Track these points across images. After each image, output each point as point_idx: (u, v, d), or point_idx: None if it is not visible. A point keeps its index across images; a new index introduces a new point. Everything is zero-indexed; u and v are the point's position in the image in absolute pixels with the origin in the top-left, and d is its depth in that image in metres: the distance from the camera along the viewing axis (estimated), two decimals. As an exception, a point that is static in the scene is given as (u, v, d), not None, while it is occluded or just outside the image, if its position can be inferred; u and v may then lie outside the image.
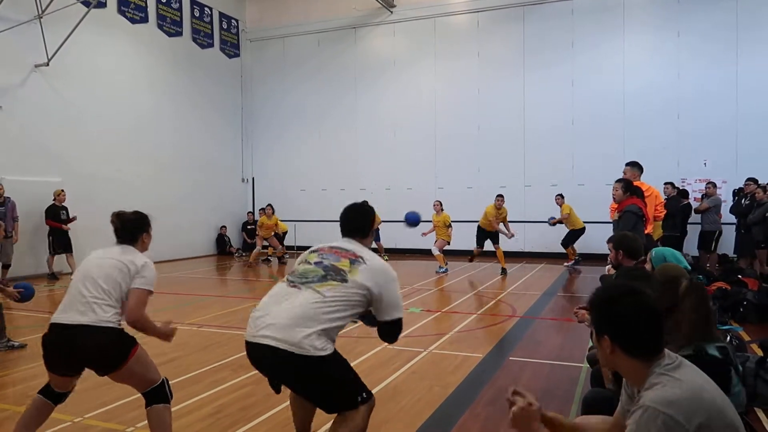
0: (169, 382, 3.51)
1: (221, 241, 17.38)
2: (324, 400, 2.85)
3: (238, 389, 4.78)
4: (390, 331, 3.09)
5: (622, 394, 2.29)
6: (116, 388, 4.83)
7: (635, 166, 7.71)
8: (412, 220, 8.20)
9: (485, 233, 12.62)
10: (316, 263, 2.96)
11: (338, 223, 3.28)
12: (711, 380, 1.96)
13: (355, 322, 3.18)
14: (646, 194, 7.34)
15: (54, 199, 11.93)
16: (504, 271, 12.24)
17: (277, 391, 3.01)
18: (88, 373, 5.25)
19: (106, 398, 4.57)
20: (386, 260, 11.26)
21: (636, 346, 1.98)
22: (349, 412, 2.80)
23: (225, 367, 5.43)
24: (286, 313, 2.75)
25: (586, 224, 13.15)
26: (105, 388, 4.86)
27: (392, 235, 15.53)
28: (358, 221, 3.22)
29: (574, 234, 13.17)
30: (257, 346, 2.75)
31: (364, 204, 3.43)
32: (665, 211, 8.80)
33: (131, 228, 3.53)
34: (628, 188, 6.69)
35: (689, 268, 3.80)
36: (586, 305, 2.15)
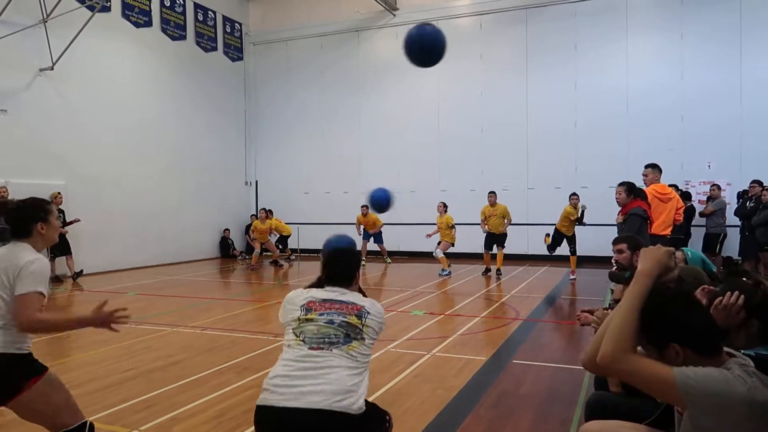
0: (94, 429, 3.02)
1: (225, 243, 17.42)
2: None
3: (242, 392, 4.79)
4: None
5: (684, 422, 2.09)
6: (121, 390, 4.86)
7: (655, 168, 7.64)
8: (378, 200, 6.65)
9: (490, 236, 12.59)
10: (327, 320, 2.74)
11: (324, 267, 3.03)
12: None
13: None
14: (667, 198, 7.34)
15: (51, 202, 11.90)
16: (498, 272, 12.26)
17: None
18: (93, 375, 5.29)
19: (111, 400, 4.59)
20: (389, 263, 11.27)
21: (704, 341, 1.94)
22: None
23: (229, 369, 5.45)
24: (322, 374, 2.59)
25: (590, 226, 13.09)
26: (110, 390, 4.88)
27: (395, 237, 15.54)
28: (346, 270, 3.02)
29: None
30: (309, 414, 2.50)
31: (350, 250, 3.30)
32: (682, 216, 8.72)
33: (21, 219, 2.89)
34: (632, 191, 6.69)
35: (713, 269, 3.84)
36: (645, 324, 2.02)
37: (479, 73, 15.82)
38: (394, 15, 16.71)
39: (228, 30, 18.02)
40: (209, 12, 17.25)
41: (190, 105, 16.40)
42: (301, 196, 17.85)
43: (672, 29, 14.06)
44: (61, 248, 11.79)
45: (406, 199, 16.36)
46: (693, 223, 12.48)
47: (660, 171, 7.66)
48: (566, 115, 14.93)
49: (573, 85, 14.88)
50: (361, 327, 2.74)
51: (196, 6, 16.74)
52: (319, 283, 2.99)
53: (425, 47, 4.83)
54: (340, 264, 3.02)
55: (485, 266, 12.68)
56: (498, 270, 12.27)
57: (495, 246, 12.50)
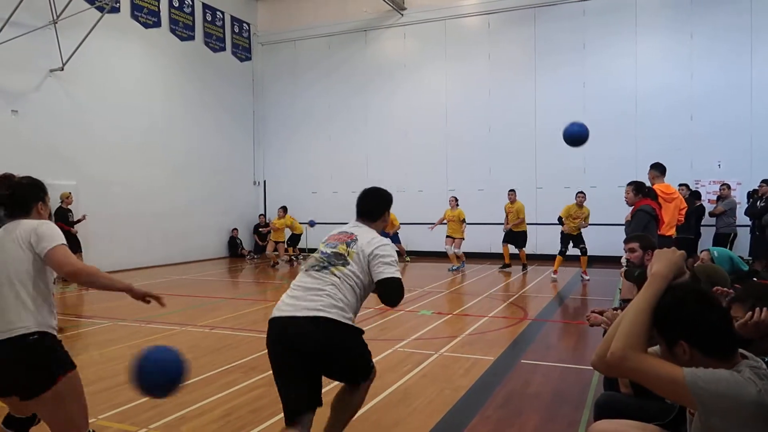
0: None
1: (233, 243, 17.47)
2: (352, 366, 3.21)
3: (249, 391, 4.80)
4: (388, 291, 3.11)
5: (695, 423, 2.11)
6: (129, 389, 4.87)
7: (656, 168, 7.63)
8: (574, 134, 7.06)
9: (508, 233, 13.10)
10: (322, 253, 3.23)
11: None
12: None
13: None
14: (671, 198, 7.31)
15: (62, 202, 12.04)
16: (506, 266, 13.01)
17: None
18: (101, 374, 5.31)
19: (119, 399, 4.61)
20: (408, 261, 11.53)
21: (715, 344, 1.91)
22: (363, 383, 3.25)
23: (236, 369, 5.46)
24: (312, 292, 3.06)
25: (598, 226, 13.03)
26: (119, 389, 4.90)
27: (403, 237, 15.49)
28: (369, 205, 3.37)
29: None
30: (295, 320, 2.97)
31: (380, 188, 3.49)
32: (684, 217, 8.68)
33: (22, 195, 2.87)
34: (639, 190, 6.67)
35: (746, 269, 3.76)
36: (660, 317, 2.00)
37: (487, 72, 15.77)
38: (402, 14, 16.69)
39: (236, 30, 18.08)
40: (217, 12, 17.31)
41: (199, 105, 16.47)
42: (309, 196, 17.87)
43: (681, 29, 13.96)
44: (72, 246, 11.82)
45: (413, 198, 16.36)
46: (703, 223, 12.40)
47: (663, 171, 7.62)
48: (575, 115, 14.72)
49: (581, 84, 14.81)
50: (346, 254, 3.14)
51: (205, 6, 16.81)
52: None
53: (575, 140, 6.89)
54: (366, 199, 3.39)
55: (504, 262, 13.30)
56: (523, 265, 12.99)
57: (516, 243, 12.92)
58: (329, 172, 17.68)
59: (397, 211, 15.02)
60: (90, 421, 4.16)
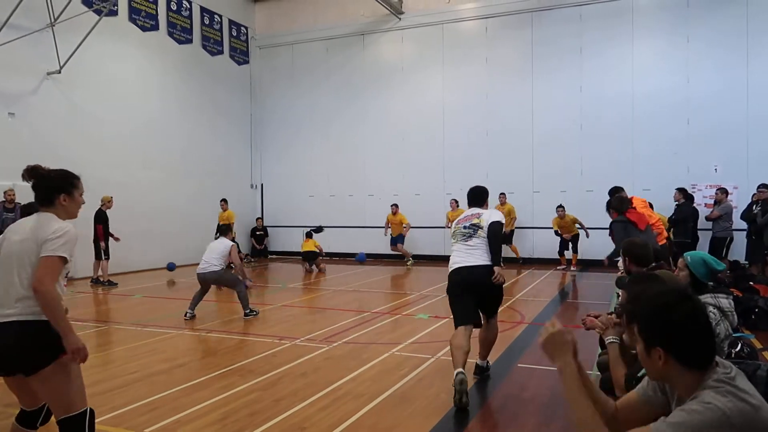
0: (95, 418, 3.01)
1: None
2: (497, 302, 5.18)
3: (246, 395, 4.79)
4: (494, 231, 5.04)
5: (647, 385, 2.16)
6: (126, 392, 4.87)
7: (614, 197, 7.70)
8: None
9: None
10: (464, 227, 5.10)
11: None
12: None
13: None
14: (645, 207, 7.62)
15: (102, 205, 12.05)
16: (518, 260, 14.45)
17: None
18: (97, 377, 5.30)
19: (116, 402, 4.60)
20: (410, 264, 12.01)
21: (693, 356, 1.85)
22: (495, 315, 5.25)
23: (233, 372, 5.45)
24: (471, 251, 5.00)
25: (594, 230, 13.07)
26: (115, 392, 4.89)
27: (405, 239, 15.47)
28: (477, 198, 5.37)
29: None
30: (471, 268, 4.92)
31: (481, 186, 5.45)
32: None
33: (46, 187, 3.05)
34: (609, 205, 7.19)
35: (721, 268, 3.80)
36: (628, 314, 2.03)
37: (484, 76, 15.81)
38: (400, 18, 16.73)
39: (234, 33, 18.10)
40: (215, 16, 17.32)
41: (196, 108, 16.47)
42: (307, 199, 17.87)
43: (678, 33, 14.02)
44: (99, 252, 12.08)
45: (411, 202, 16.38)
46: (700, 227, 12.43)
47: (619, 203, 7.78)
48: (571, 119, 14.90)
49: (578, 88, 14.85)
50: (479, 225, 5.05)
51: (203, 10, 16.83)
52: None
53: None
54: (475, 192, 5.41)
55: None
56: (515, 259, 14.53)
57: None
58: (326, 176, 17.69)
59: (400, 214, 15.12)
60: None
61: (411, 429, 4.06)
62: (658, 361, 1.88)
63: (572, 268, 13.48)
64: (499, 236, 4.98)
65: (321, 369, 5.56)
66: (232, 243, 8.57)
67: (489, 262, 4.90)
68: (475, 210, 5.24)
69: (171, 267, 14.14)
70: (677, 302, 1.88)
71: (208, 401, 4.63)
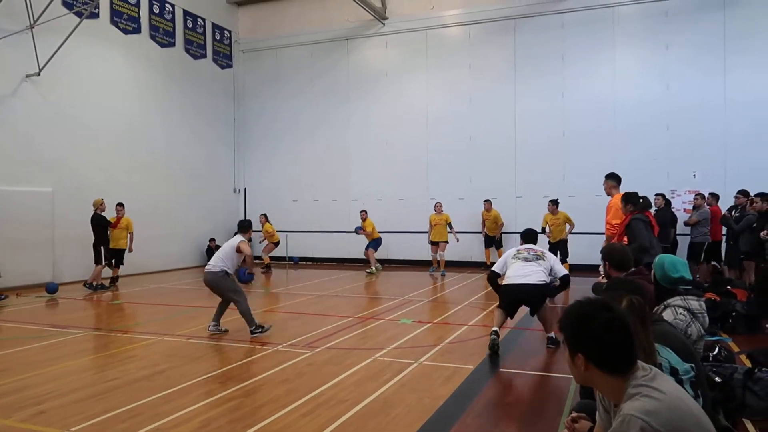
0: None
1: (211, 253, 17.12)
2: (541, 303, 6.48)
3: (226, 401, 4.75)
4: (564, 280, 6.55)
5: (598, 408, 2.30)
6: (105, 399, 4.81)
7: (613, 178, 7.89)
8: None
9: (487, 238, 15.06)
10: (528, 253, 6.58)
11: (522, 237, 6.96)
12: (684, 390, 1.98)
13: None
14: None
15: (96, 209, 11.95)
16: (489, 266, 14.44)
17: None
18: (76, 384, 5.22)
19: (95, 410, 4.53)
20: (374, 272, 11.93)
21: (611, 363, 2.00)
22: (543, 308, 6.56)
23: (214, 379, 5.40)
24: (531, 272, 6.42)
25: (577, 235, 13.17)
26: (93, 399, 4.82)
27: (383, 245, 15.44)
28: (533, 238, 6.95)
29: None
30: (525, 285, 6.32)
31: (532, 231, 7.05)
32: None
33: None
34: (630, 200, 6.88)
35: (689, 277, 3.81)
36: (559, 323, 2.14)
37: (468, 82, 15.91)
38: (384, 24, 16.78)
39: (217, 37, 18.01)
40: (198, 19, 17.23)
41: (178, 112, 16.35)
42: (290, 204, 17.81)
43: (658, 41, 14.23)
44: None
45: (394, 207, 16.39)
46: (679, 232, 12.60)
47: (619, 181, 7.86)
48: (554, 125, 15.04)
49: (561, 94, 15.00)
50: (542, 256, 6.55)
51: (186, 13, 16.72)
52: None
53: None
54: (530, 235, 6.97)
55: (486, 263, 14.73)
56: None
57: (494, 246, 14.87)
58: (310, 180, 17.65)
59: (376, 220, 15.10)
60: (63, 433, 4.10)
61: (393, 435, 4.05)
62: (581, 366, 2.04)
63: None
64: (567, 280, 6.63)
65: (303, 375, 5.53)
66: (241, 238, 7.56)
67: (543, 282, 6.42)
68: (535, 247, 6.75)
69: (51, 288, 11.18)
70: (595, 313, 2.03)
71: (189, 408, 4.58)
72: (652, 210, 12.10)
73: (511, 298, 6.39)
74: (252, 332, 7.13)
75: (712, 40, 13.74)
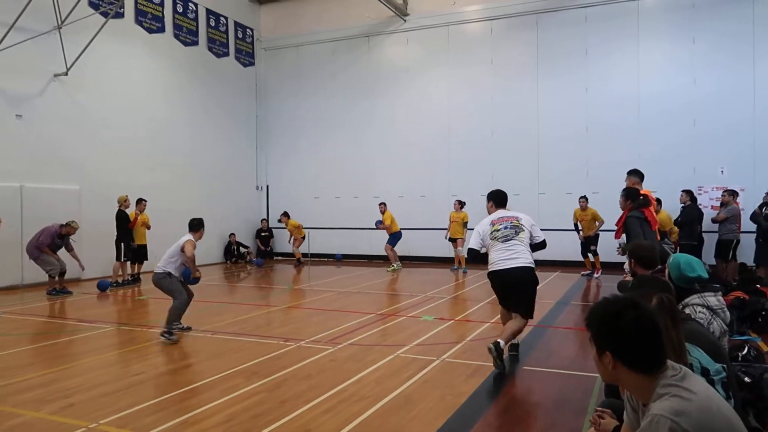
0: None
1: (230, 248, 17.29)
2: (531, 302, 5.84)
3: (250, 396, 4.80)
4: (541, 245, 5.89)
5: (626, 408, 2.26)
6: (131, 394, 4.89)
7: (635, 174, 7.70)
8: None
9: None
10: (505, 227, 5.80)
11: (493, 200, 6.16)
12: (716, 390, 1.94)
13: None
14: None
15: (120, 205, 12.16)
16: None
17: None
18: (102, 378, 5.32)
19: (120, 404, 4.61)
20: (395, 269, 11.86)
21: (640, 361, 1.97)
22: (524, 317, 5.79)
23: (238, 374, 5.45)
24: (516, 253, 5.71)
25: (601, 231, 13.00)
26: (120, 393, 4.90)
27: (405, 242, 15.41)
28: (504, 201, 6.13)
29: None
30: (514, 270, 5.63)
31: (502, 191, 6.21)
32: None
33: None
34: (630, 197, 6.77)
35: (706, 276, 3.73)
36: (585, 321, 2.12)
37: (490, 78, 15.79)
38: (405, 20, 16.74)
39: (239, 36, 18.15)
40: (221, 18, 17.38)
41: (202, 110, 16.51)
42: (312, 201, 17.89)
43: (683, 34, 13.96)
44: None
45: (416, 203, 16.37)
46: (706, 230, 12.35)
47: (642, 177, 7.70)
48: (577, 120, 14.86)
49: (584, 90, 14.81)
50: (519, 225, 5.80)
51: (208, 12, 16.88)
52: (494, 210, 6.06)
53: None
54: (500, 197, 6.12)
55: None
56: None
57: None
58: (332, 177, 17.70)
59: (399, 216, 15.06)
60: (91, 426, 4.19)
61: (416, 431, 4.05)
62: (609, 364, 2.02)
63: (596, 275, 12.83)
64: (545, 245, 6.00)
65: (326, 371, 5.56)
66: (189, 237, 7.42)
67: (531, 265, 5.77)
68: (509, 212, 6.07)
69: (103, 285, 11.54)
70: (624, 310, 2.00)
71: (213, 403, 4.64)
72: (679, 206, 12.00)
73: (502, 283, 5.74)
74: (161, 333, 6.86)
75: (740, 32, 13.42)
